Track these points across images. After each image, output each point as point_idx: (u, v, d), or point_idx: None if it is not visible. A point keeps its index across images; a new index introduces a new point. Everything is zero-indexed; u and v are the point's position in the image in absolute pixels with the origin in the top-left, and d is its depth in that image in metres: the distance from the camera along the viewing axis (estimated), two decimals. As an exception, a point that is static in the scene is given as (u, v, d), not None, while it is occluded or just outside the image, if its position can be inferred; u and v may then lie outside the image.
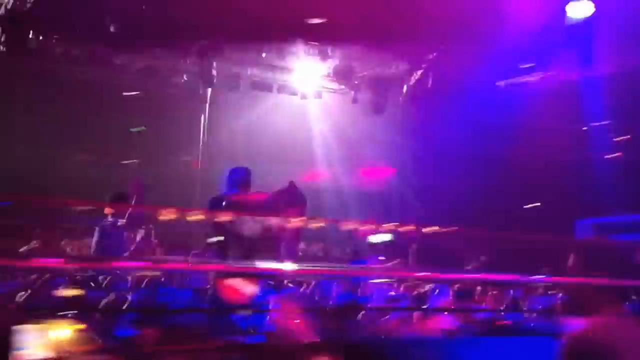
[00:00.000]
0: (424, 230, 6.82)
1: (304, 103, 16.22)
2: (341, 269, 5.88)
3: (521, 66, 13.66)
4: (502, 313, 7.42)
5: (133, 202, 8.36)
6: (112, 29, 12.05)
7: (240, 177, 6.46)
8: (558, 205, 13.62)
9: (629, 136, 13.99)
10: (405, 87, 15.53)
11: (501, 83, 14.27)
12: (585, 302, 3.02)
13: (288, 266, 5.71)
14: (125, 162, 16.36)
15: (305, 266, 5.95)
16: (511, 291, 8.46)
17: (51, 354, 3.68)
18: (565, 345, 2.81)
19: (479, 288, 8.74)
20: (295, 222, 6.20)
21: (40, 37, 12.76)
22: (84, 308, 5.19)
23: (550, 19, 12.14)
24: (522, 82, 14.10)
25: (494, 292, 8.42)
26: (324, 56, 13.96)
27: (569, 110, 14.25)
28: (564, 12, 12.27)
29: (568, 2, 12.20)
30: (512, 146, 14.95)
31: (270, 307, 5.24)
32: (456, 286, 7.53)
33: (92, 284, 6.69)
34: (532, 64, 13.58)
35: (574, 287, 3.03)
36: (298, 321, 4.24)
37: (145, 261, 7.67)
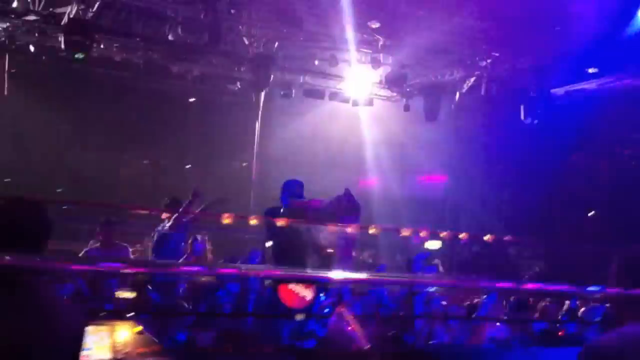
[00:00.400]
0: (481, 238, 6.77)
1: (356, 110, 16.22)
2: (394, 277, 5.85)
3: (588, 70, 13.30)
4: (558, 324, 7.29)
5: (192, 207, 8.50)
6: (170, 37, 12.29)
7: (295, 189, 6.54)
8: (622, 214, 13.28)
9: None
10: (457, 94, 15.37)
11: (558, 90, 14.00)
12: (618, 314, 2.96)
13: (340, 274, 5.73)
14: (187, 166, 16.74)
15: (359, 275, 5.95)
16: (567, 301, 8.30)
17: (112, 356, 3.78)
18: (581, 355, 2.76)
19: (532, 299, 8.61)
20: (351, 229, 6.23)
21: (102, 46, 13.10)
22: (143, 310, 5.30)
23: (611, 23, 11.85)
24: (581, 89, 13.81)
25: (550, 302, 8.27)
26: (376, 63, 13.94)
27: (630, 118, 13.91)
28: (625, 16, 11.96)
29: (633, 6, 11.84)
30: (570, 154, 14.70)
31: (326, 313, 5.28)
32: (512, 297, 7.42)
33: (149, 287, 6.83)
34: (592, 70, 13.27)
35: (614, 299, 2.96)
36: (353, 328, 4.25)
37: (199, 266, 7.80)
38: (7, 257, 2.26)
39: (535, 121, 13.86)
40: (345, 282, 5.88)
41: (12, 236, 2.32)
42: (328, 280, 5.57)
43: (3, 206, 2.39)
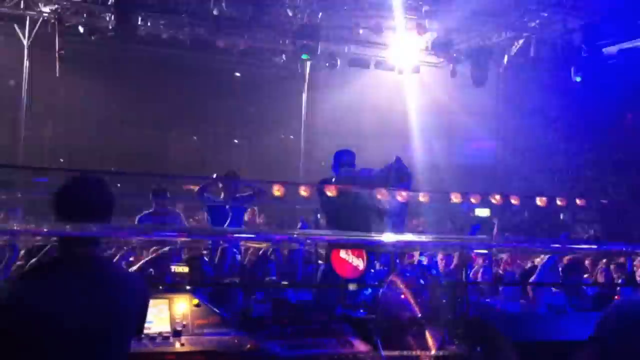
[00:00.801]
0: (532, 202, 6.71)
1: (402, 78, 16.07)
2: (446, 239, 5.84)
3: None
4: (617, 287, 7.18)
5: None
6: (215, 12, 12.35)
7: (346, 159, 6.55)
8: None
9: None
10: (506, 57, 15.08)
11: (611, 49, 13.59)
12: None
13: (395, 237, 5.75)
14: (235, 141, 16.88)
15: (412, 238, 5.96)
16: (626, 265, 8.15)
17: (171, 328, 3.89)
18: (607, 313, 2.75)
19: (588, 262, 8.49)
20: (402, 196, 6.23)
21: (148, 23, 13.25)
22: (200, 283, 5.42)
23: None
24: (634, 47, 13.38)
25: (606, 266, 8.15)
26: (421, 30, 13.74)
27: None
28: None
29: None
30: (623, 114, 14.33)
31: (378, 282, 5.32)
32: (565, 259, 7.33)
33: (205, 259, 6.97)
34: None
35: None
36: (405, 296, 4.27)
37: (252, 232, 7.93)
38: (68, 227, 2.35)
39: (584, 80, 13.52)
40: (399, 246, 5.91)
41: (79, 211, 2.41)
42: (383, 244, 5.60)
43: (70, 183, 2.48)
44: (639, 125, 14.28)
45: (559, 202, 6.94)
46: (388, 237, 5.54)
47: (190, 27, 13.49)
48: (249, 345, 3.85)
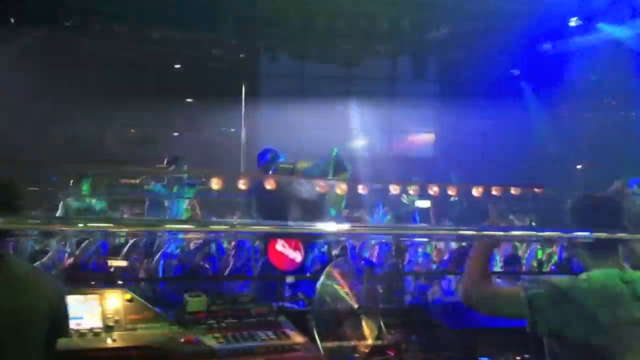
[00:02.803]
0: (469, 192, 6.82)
1: (343, 69, 16.10)
2: (385, 228, 5.88)
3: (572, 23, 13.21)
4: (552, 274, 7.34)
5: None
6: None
7: (269, 158, 6.55)
8: (612, 165, 13.31)
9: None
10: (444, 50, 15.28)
11: (546, 44, 13.94)
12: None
13: (334, 226, 5.75)
14: (175, 134, 16.62)
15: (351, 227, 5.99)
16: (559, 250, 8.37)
17: (103, 324, 3.79)
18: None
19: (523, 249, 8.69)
20: (342, 188, 6.25)
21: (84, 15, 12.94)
22: (132, 278, 5.32)
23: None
24: (567, 41, 13.74)
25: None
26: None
27: (618, 69, 13.88)
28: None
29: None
30: (558, 106, 14.71)
31: (316, 273, 5.32)
32: (503, 247, 7.49)
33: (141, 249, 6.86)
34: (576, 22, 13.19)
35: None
36: (342, 287, 4.27)
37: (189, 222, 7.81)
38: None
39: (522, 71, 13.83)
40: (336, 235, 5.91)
41: None
42: (319, 235, 5.60)
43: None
44: (574, 117, 14.69)
45: (494, 192, 7.06)
46: (332, 226, 5.55)
47: (126, 19, 13.21)
48: (183, 340, 3.79)
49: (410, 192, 8.45)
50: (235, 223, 3.20)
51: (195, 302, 4.18)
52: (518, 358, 4.31)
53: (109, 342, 3.70)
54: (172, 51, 15.12)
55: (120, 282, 4.30)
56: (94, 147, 15.78)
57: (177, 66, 16.62)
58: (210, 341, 3.85)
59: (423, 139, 17.78)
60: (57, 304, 2.46)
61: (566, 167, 14.82)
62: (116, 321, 3.82)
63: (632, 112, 15.23)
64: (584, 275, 2.85)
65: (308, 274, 5.62)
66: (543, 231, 3.52)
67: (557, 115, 14.97)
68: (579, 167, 15.45)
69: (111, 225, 3.20)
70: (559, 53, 13.90)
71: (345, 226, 4.03)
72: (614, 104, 15.12)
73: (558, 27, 13.49)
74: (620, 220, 2.91)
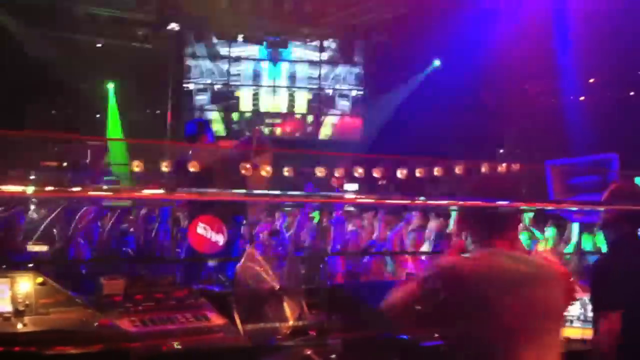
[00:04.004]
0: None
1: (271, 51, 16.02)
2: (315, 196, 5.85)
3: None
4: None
5: None
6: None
7: (197, 130, 6.44)
8: (532, 146, 13.69)
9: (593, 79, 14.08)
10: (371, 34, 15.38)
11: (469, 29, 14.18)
12: None
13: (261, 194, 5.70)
14: (97, 115, 16.15)
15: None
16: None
17: (13, 308, 3.66)
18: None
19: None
20: (267, 171, 6.20)
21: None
22: (45, 261, 5.16)
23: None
24: (490, 26, 14.01)
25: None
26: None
27: (538, 54, 14.27)
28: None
29: None
30: (479, 92, 15.00)
31: (238, 255, 5.27)
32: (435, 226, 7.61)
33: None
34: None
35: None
36: (262, 268, 4.25)
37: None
38: None
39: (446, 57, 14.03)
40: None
41: None
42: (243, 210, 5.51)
43: None
44: (493, 102, 15.03)
45: (417, 174, 7.15)
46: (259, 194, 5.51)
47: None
48: (97, 323, 3.69)
49: (336, 174, 8.45)
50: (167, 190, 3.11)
51: (111, 285, 4.08)
52: (437, 335, 4.39)
53: (20, 327, 3.57)
54: (95, 30, 14.67)
55: (30, 265, 4.15)
56: (13, 129, 15.17)
57: (99, 45, 16.15)
58: (126, 325, 3.76)
59: (352, 122, 17.85)
60: None
61: (487, 151, 15.14)
62: (27, 305, 3.69)
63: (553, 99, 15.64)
64: (472, 255, 2.85)
65: (233, 257, 5.56)
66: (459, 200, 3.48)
67: (485, 99, 15.29)
68: (500, 151, 15.84)
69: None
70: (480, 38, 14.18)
71: (266, 195, 4.02)
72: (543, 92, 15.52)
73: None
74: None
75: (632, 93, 13.77)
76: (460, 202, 2.97)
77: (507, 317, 2.64)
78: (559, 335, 2.81)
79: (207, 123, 6.56)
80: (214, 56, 16.28)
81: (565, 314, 2.95)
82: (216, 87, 16.61)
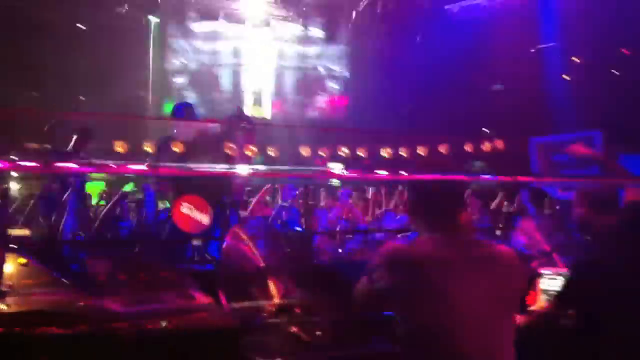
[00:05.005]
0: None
1: (254, 32, 15.92)
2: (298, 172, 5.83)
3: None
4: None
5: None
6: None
7: (184, 114, 6.38)
8: (516, 125, 13.70)
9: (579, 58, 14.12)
10: (354, 13, 15.30)
11: (452, 6, 14.14)
12: None
13: (246, 169, 5.69)
14: (81, 97, 15.94)
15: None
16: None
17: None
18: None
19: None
20: (251, 150, 6.18)
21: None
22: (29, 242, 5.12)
23: None
24: (474, 4, 13.99)
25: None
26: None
27: (523, 31, 14.27)
28: None
29: None
30: (467, 69, 14.97)
31: (222, 235, 5.26)
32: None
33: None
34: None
35: None
36: (248, 247, 4.24)
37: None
38: None
39: (430, 36, 14.01)
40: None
41: None
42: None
43: None
44: (478, 81, 15.03)
45: (401, 153, 7.15)
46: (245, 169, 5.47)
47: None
48: (82, 304, 3.67)
49: (321, 154, 8.42)
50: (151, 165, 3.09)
51: (97, 265, 4.07)
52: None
53: (3, 308, 3.55)
54: (74, 9, 14.44)
55: (11, 246, 4.10)
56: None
57: (79, 25, 15.91)
58: (111, 305, 3.75)
59: (337, 101, 17.80)
60: None
61: (473, 128, 15.13)
62: (10, 286, 3.67)
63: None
64: (415, 239, 2.80)
65: (218, 236, 5.54)
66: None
67: (471, 78, 15.29)
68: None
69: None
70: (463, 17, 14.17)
71: (248, 169, 4.00)
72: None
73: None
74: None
75: (616, 72, 13.80)
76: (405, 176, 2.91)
77: (451, 302, 2.60)
78: (511, 321, 2.73)
79: (193, 106, 6.51)
80: (194, 36, 16.09)
81: (518, 299, 2.88)
82: (195, 66, 16.39)
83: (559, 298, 3.68)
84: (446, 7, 14.06)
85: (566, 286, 3.63)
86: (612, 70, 13.24)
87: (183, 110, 6.38)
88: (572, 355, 3.59)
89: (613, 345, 3.41)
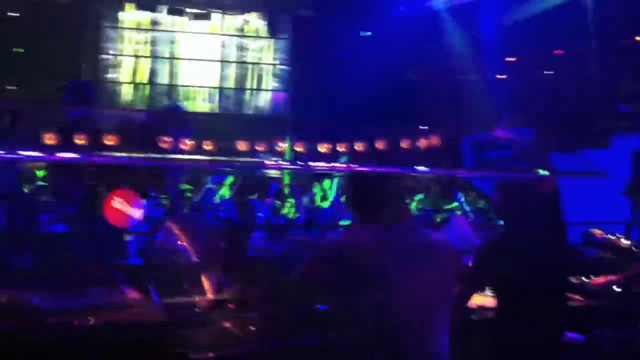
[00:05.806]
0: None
1: (193, 23, 15.72)
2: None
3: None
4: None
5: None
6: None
7: (82, 92, 6.23)
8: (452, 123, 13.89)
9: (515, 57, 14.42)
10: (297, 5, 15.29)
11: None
12: None
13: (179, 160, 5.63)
14: (12, 87, 15.41)
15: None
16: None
17: None
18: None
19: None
20: (186, 144, 6.13)
21: None
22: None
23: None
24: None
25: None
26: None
27: (458, 32, 14.53)
28: None
29: None
30: (407, 70, 15.14)
31: (154, 229, 5.19)
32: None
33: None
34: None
35: None
36: (181, 242, 4.19)
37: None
38: None
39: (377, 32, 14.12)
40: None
41: None
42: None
43: None
44: (421, 79, 15.20)
45: (338, 148, 7.20)
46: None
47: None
48: (4, 299, 3.56)
49: (258, 149, 8.41)
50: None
51: (22, 261, 3.96)
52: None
53: None
54: None
55: None
56: None
57: (11, 14, 15.37)
58: (36, 300, 3.65)
59: (280, 97, 17.71)
60: None
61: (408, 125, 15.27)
62: None
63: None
64: (357, 228, 2.87)
65: (148, 230, 5.47)
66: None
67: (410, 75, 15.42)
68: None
69: None
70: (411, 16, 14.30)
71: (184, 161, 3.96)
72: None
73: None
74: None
75: (549, 72, 14.14)
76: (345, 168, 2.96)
77: (393, 289, 2.65)
78: (445, 307, 2.80)
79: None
80: (129, 26, 15.69)
81: (452, 286, 2.95)
82: (130, 57, 15.95)
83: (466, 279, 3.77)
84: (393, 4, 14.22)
85: (471, 267, 3.76)
86: (545, 71, 13.61)
87: (90, 91, 6.21)
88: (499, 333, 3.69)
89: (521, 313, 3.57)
